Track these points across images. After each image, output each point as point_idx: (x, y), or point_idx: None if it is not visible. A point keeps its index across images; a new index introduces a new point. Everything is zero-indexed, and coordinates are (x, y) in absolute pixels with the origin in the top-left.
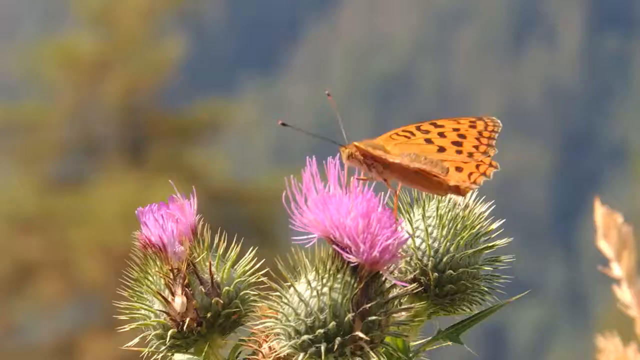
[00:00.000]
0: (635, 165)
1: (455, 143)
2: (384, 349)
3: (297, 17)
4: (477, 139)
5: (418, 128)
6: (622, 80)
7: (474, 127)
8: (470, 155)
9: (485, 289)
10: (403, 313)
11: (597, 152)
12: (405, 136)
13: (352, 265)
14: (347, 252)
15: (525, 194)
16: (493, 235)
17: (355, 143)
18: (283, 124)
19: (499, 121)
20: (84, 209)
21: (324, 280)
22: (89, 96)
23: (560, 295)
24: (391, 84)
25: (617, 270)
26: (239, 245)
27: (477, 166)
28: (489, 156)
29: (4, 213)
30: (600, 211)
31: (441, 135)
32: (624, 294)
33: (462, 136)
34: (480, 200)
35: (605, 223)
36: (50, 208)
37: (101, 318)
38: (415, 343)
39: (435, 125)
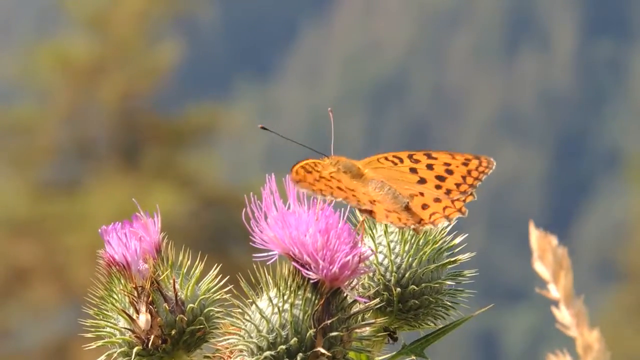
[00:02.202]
0: (628, 169)
1: (438, 177)
2: None
3: (292, 21)
4: (463, 177)
5: (410, 157)
6: (616, 85)
7: (465, 165)
8: (448, 192)
9: (449, 303)
10: (367, 328)
11: (590, 156)
12: (393, 162)
13: (312, 281)
14: (307, 269)
15: (519, 199)
16: (456, 250)
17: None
18: (263, 128)
19: (494, 162)
20: (77, 214)
21: (285, 297)
22: (83, 100)
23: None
24: (385, 88)
25: (554, 291)
26: (203, 262)
27: (444, 208)
28: (466, 196)
29: None
30: (534, 234)
31: (429, 167)
32: (562, 315)
33: (450, 172)
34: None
35: (540, 245)
36: (44, 212)
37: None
38: (380, 358)
39: (429, 157)
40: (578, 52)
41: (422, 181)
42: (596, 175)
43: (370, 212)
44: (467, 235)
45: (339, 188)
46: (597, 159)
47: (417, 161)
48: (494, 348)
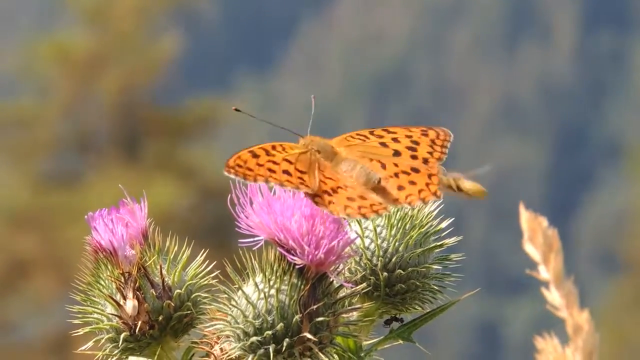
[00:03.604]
0: (629, 162)
1: (409, 148)
2: (335, 349)
3: (292, 13)
4: (431, 146)
5: (371, 133)
6: (617, 77)
7: (425, 135)
8: (425, 160)
9: (436, 287)
10: (353, 313)
11: (591, 149)
12: (361, 139)
13: (298, 267)
14: (293, 254)
15: (519, 191)
16: (443, 234)
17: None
18: (236, 110)
19: (450, 132)
20: (78, 206)
21: (271, 282)
22: (83, 93)
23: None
24: (386, 81)
25: (544, 273)
26: (191, 247)
27: (420, 191)
28: (442, 162)
29: None
30: (524, 215)
31: (395, 140)
32: (552, 296)
33: (416, 142)
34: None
35: (530, 227)
36: (44, 205)
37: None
38: (367, 343)
39: (388, 132)
40: (579, 44)
41: (397, 153)
42: (597, 166)
43: (327, 203)
44: (453, 219)
45: (284, 172)
46: (598, 150)
47: (380, 136)
48: (496, 339)
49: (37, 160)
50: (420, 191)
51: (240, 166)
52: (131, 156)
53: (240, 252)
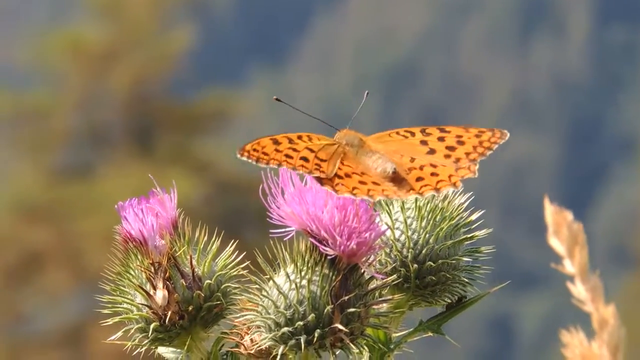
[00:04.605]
0: None
1: (449, 148)
2: (365, 340)
3: (306, 7)
4: (474, 147)
5: (422, 130)
6: (631, 71)
7: (478, 137)
8: (457, 160)
9: (466, 279)
10: (383, 304)
11: (605, 143)
12: (405, 135)
13: (329, 257)
14: (324, 245)
15: (533, 185)
16: (473, 226)
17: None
18: (277, 100)
19: (507, 133)
20: (91, 199)
21: (303, 273)
22: (97, 86)
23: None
24: (399, 75)
25: (569, 266)
26: (220, 238)
27: (438, 182)
28: (475, 165)
29: (11, 202)
30: (549, 209)
31: (440, 139)
32: (578, 290)
33: (461, 143)
34: (459, 192)
35: (555, 221)
36: (57, 197)
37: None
38: (397, 334)
39: (442, 131)
40: (592, 38)
41: (432, 152)
42: (610, 161)
43: (335, 185)
44: (484, 211)
45: (301, 158)
46: (611, 145)
47: (429, 134)
48: (508, 333)
49: (51, 152)
50: (438, 182)
51: (255, 150)
52: (144, 149)
53: (271, 243)
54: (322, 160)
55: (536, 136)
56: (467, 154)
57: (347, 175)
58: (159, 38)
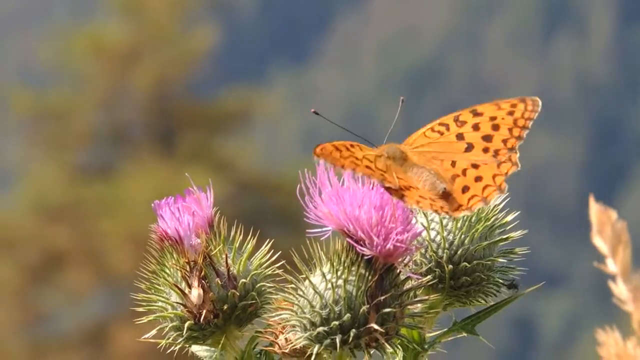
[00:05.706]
0: None
1: (485, 138)
2: (399, 340)
3: (328, 6)
4: (510, 129)
5: (456, 119)
6: None
7: (511, 114)
8: (496, 153)
9: (500, 280)
10: (418, 305)
11: (627, 143)
12: (440, 132)
13: (366, 257)
14: (361, 245)
15: (555, 185)
16: (508, 228)
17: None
18: (315, 113)
19: (539, 101)
20: (113, 198)
21: (339, 273)
22: (119, 85)
23: (590, 286)
24: (422, 74)
25: (612, 266)
26: (255, 237)
27: (484, 188)
28: (515, 152)
29: (33, 202)
30: (594, 208)
31: (475, 128)
32: (620, 289)
33: (496, 127)
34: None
35: (599, 219)
36: (80, 197)
37: (130, 306)
38: (431, 334)
39: (475, 114)
40: (615, 38)
41: (469, 148)
42: (633, 161)
43: (401, 196)
44: (519, 212)
45: (367, 167)
46: (633, 144)
47: (463, 123)
48: (531, 334)
49: (73, 152)
50: (484, 188)
51: (324, 155)
52: (166, 148)
53: (308, 242)
54: (382, 171)
55: (559, 136)
56: (505, 141)
57: (407, 189)
58: (181, 38)
